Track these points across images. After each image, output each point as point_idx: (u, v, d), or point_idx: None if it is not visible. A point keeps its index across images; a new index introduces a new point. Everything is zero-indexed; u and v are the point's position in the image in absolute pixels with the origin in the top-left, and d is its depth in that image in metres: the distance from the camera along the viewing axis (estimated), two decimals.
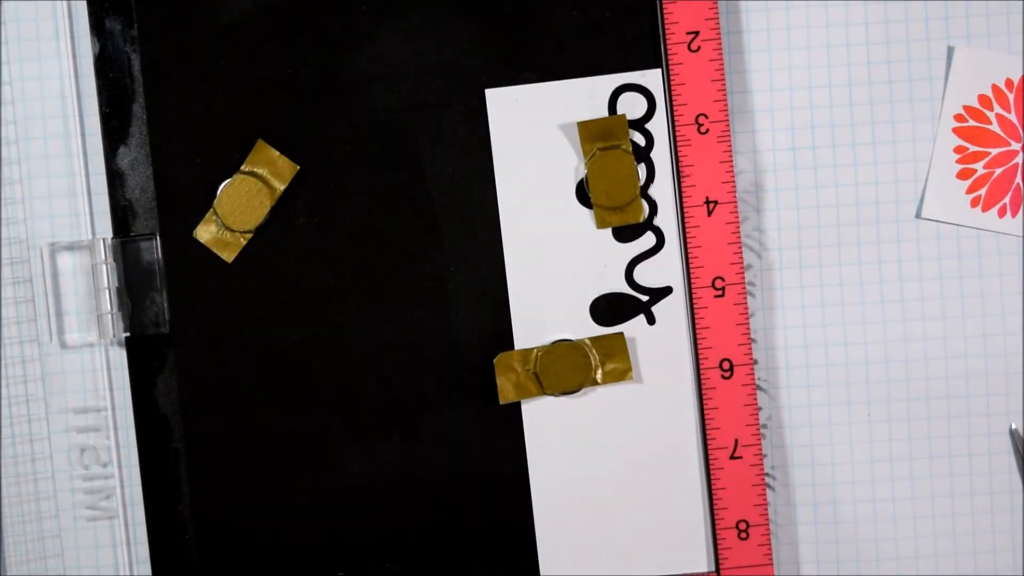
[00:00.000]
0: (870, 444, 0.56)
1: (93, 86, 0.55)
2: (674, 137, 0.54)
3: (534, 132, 0.54)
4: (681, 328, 0.55)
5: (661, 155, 0.54)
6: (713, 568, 0.55)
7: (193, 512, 0.55)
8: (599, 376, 0.54)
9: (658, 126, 0.54)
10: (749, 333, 0.54)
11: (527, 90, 0.54)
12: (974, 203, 0.56)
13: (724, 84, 0.54)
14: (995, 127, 0.55)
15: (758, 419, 0.55)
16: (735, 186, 0.54)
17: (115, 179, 0.55)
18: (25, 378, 0.56)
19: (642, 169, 0.54)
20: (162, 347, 0.55)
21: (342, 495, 0.55)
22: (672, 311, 0.55)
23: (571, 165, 0.55)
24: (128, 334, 0.55)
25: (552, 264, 0.55)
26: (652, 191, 0.55)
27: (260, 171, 0.54)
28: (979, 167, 0.56)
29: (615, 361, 0.54)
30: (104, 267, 0.55)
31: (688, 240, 0.54)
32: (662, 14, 0.54)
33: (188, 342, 0.55)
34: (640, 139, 0.54)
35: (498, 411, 0.55)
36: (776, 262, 0.56)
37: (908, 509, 0.56)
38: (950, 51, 0.55)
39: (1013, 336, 0.56)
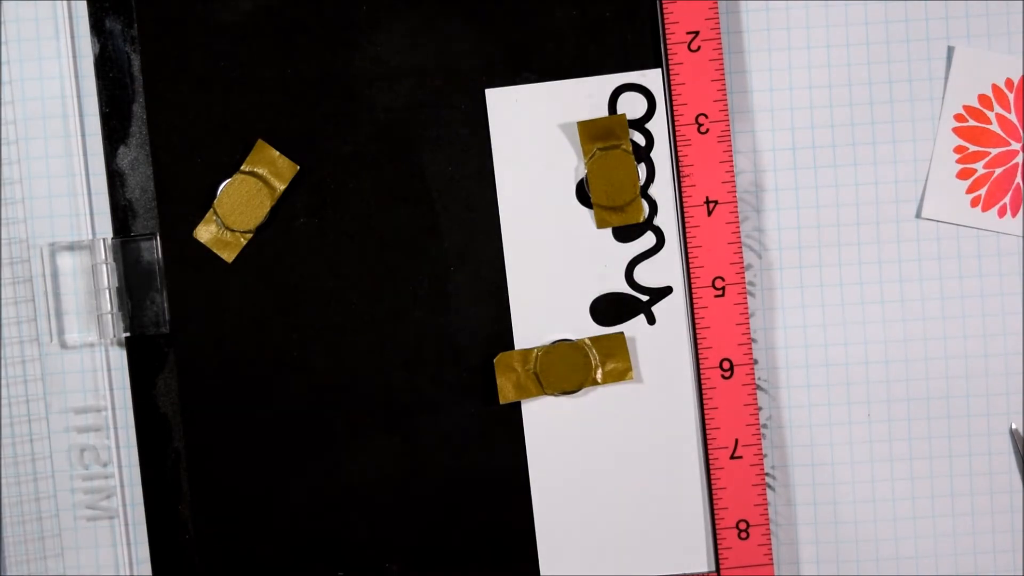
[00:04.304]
0: (870, 444, 0.56)
1: (93, 86, 0.55)
2: (674, 137, 0.54)
3: (534, 132, 0.54)
4: (681, 328, 0.55)
5: (661, 155, 0.54)
6: (713, 568, 0.55)
7: (193, 512, 0.55)
8: (599, 376, 0.54)
9: (658, 126, 0.54)
10: (749, 333, 0.54)
11: (527, 90, 0.54)
12: (974, 203, 0.56)
13: (724, 84, 0.54)
14: (995, 127, 0.55)
15: (758, 419, 0.55)
16: (735, 186, 0.54)
17: (115, 179, 0.55)
18: (25, 378, 0.56)
19: (642, 169, 0.54)
20: (162, 347, 0.55)
21: (342, 495, 0.55)
22: (672, 311, 0.55)
23: (571, 165, 0.55)
24: (128, 334, 0.55)
25: (552, 264, 0.55)
26: (652, 191, 0.55)
27: (260, 171, 0.54)
28: (979, 167, 0.56)
29: (615, 361, 0.54)
30: (104, 267, 0.55)
31: (688, 240, 0.54)
32: (662, 14, 0.54)
33: (188, 342, 0.55)
34: (640, 139, 0.54)
35: (498, 411, 0.55)
36: (776, 262, 0.56)
37: (908, 509, 0.56)
38: (950, 51, 0.55)
39: (1013, 336, 0.56)
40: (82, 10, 0.55)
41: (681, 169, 0.54)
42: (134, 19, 0.54)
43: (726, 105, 0.54)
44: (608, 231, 0.55)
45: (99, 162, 0.55)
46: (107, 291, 0.55)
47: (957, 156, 0.56)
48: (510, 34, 0.54)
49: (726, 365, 0.54)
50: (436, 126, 0.54)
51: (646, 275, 0.55)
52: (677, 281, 0.55)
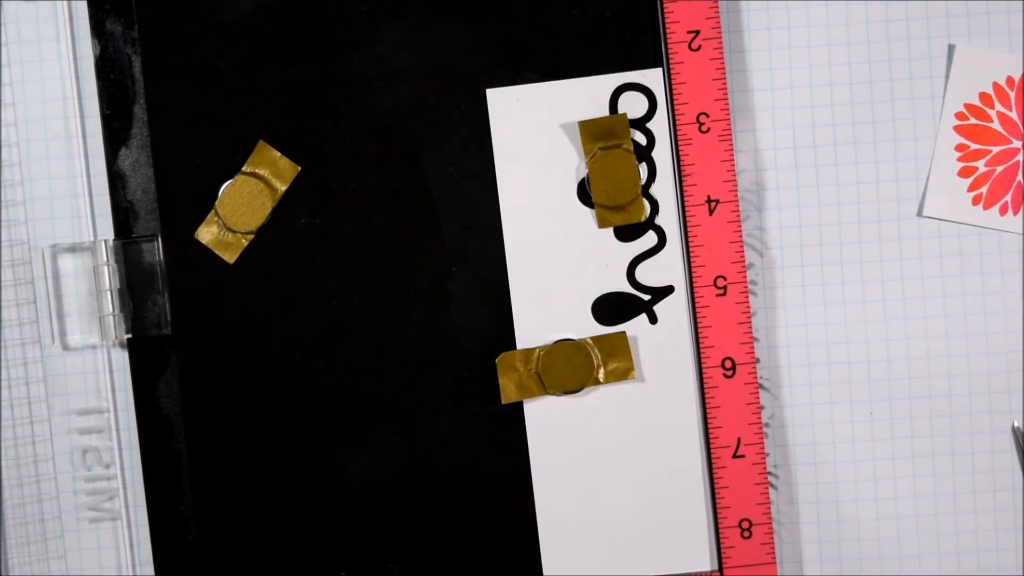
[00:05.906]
0: (872, 442, 0.56)
1: (94, 88, 0.55)
2: (675, 136, 0.54)
3: (535, 132, 0.54)
4: (683, 327, 0.55)
5: (662, 154, 0.54)
6: (716, 567, 0.55)
7: (195, 513, 0.55)
8: (601, 375, 0.54)
9: (659, 125, 0.54)
10: (751, 332, 0.54)
11: (528, 90, 0.54)
12: (975, 201, 0.56)
13: (725, 83, 0.54)
14: (996, 125, 0.55)
15: (760, 418, 0.55)
16: (736, 185, 0.54)
17: (116, 180, 0.55)
18: (27, 380, 0.56)
19: (643, 168, 0.54)
20: (164, 348, 0.55)
21: (343, 495, 0.55)
22: (674, 310, 0.55)
23: (572, 164, 0.55)
24: (130, 336, 0.55)
25: (553, 264, 0.55)
26: (653, 190, 0.55)
27: (261, 172, 0.54)
28: (980, 165, 0.56)
29: (617, 360, 0.54)
30: (106, 269, 0.55)
31: (690, 239, 0.54)
32: (663, 13, 0.54)
33: (190, 343, 0.55)
34: (641, 138, 0.54)
35: (500, 411, 0.55)
36: (778, 261, 0.56)
37: (910, 507, 0.56)
38: (951, 49, 0.55)
39: (1014, 334, 0.56)
40: (82, 11, 0.55)
41: (682, 168, 0.54)
42: (134, 20, 0.54)
43: (727, 104, 0.54)
44: (609, 230, 0.55)
45: (100, 164, 0.55)
46: (109, 293, 0.55)
47: (958, 154, 0.56)
48: (510, 34, 0.54)
49: (728, 364, 0.54)
50: (436, 126, 0.54)
51: (648, 274, 0.55)
52: (679, 280, 0.55)
